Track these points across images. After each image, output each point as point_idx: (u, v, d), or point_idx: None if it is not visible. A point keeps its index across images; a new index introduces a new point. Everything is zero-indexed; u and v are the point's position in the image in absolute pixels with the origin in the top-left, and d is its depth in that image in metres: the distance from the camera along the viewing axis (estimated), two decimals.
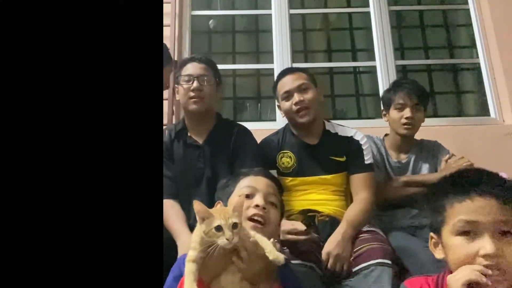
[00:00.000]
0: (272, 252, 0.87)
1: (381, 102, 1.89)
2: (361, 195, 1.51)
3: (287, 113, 1.64)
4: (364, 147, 1.60)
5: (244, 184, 1.10)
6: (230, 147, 1.53)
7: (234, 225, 0.84)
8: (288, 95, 1.62)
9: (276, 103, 1.76)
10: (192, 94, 1.51)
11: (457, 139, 1.81)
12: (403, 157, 1.78)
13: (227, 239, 0.82)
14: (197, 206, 0.87)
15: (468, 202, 0.80)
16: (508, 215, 0.78)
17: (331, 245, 1.31)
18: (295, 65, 2.66)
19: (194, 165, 1.50)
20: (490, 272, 0.74)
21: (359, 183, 1.55)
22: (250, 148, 1.55)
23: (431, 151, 1.78)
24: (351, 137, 1.63)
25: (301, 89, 1.60)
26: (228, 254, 0.87)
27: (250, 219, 1.02)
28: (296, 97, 1.59)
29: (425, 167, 1.75)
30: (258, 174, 1.14)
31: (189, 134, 1.56)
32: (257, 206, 1.04)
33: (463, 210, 0.81)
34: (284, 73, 1.70)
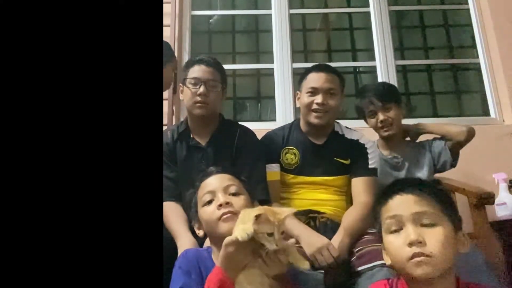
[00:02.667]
0: (297, 260, 0.99)
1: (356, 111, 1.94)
2: (361, 198, 1.49)
3: (304, 108, 1.62)
4: (369, 151, 1.59)
5: (203, 192, 1.11)
6: (233, 148, 1.52)
7: (282, 232, 0.94)
8: (313, 92, 1.59)
9: (296, 92, 1.72)
10: (198, 99, 1.49)
11: None
12: (396, 155, 1.83)
13: (276, 245, 0.92)
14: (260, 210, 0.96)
15: (390, 201, 0.94)
16: (426, 206, 0.89)
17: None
18: (296, 65, 2.67)
19: (197, 167, 1.49)
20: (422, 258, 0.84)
21: (361, 186, 1.53)
22: (252, 148, 1.54)
23: (423, 152, 1.82)
24: (357, 140, 1.61)
25: (328, 93, 1.58)
26: (252, 251, 0.95)
27: (221, 219, 1.05)
28: (320, 98, 1.56)
29: (424, 167, 1.78)
30: (210, 174, 1.15)
31: (192, 136, 1.56)
32: (220, 206, 1.06)
33: (388, 209, 0.94)
34: (320, 68, 1.65)
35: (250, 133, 1.60)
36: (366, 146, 1.60)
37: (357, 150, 1.59)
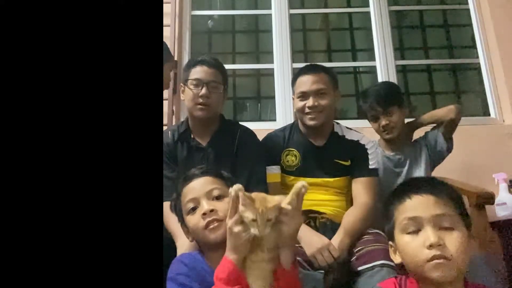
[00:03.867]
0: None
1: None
2: (362, 199, 1.49)
3: (298, 112, 1.62)
4: (369, 152, 1.59)
5: (185, 200, 1.09)
6: (233, 149, 1.52)
7: (268, 220, 0.88)
8: (303, 96, 1.59)
9: (291, 95, 1.73)
10: (199, 100, 1.48)
11: (457, 139, 1.82)
12: (398, 152, 1.86)
13: (259, 231, 0.87)
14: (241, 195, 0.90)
15: (408, 201, 0.91)
16: (445, 208, 0.88)
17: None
18: (296, 65, 2.67)
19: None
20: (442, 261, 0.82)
21: (361, 187, 1.52)
22: (253, 149, 1.54)
23: (419, 149, 1.85)
24: (357, 141, 1.61)
25: (318, 94, 1.57)
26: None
27: (206, 228, 1.02)
28: (311, 101, 1.56)
29: (422, 165, 1.82)
30: (192, 178, 1.12)
31: (192, 136, 1.55)
32: (204, 214, 1.03)
33: (406, 209, 0.91)
34: (306, 70, 1.64)
35: (250, 133, 1.60)
36: (366, 146, 1.60)
37: (358, 151, 1.59)
